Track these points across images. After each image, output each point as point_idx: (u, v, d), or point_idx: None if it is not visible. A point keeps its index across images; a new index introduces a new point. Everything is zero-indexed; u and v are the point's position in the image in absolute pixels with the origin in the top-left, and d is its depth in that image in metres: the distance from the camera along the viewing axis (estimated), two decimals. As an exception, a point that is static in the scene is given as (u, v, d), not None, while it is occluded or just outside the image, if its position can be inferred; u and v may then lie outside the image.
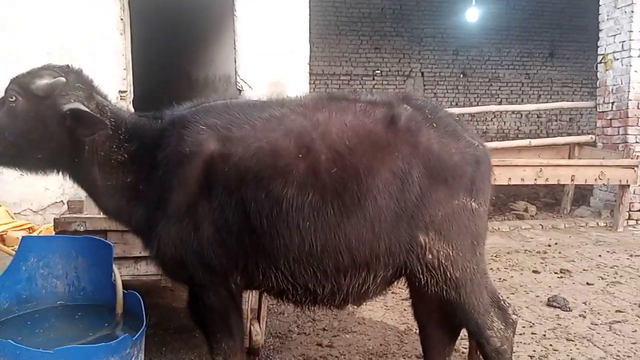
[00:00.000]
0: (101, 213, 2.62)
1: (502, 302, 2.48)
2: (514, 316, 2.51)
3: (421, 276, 2.27)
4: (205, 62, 8.01)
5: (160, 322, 3.71)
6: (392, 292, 4.45)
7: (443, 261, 2.24)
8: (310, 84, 13.99)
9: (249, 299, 3.29)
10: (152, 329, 3.59)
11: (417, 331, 3.62)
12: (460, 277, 2.29)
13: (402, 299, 4.29)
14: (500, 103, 14.41)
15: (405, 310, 4.06)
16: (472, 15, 12.44)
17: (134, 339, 2.26)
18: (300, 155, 2.16)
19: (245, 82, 6.25)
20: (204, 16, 7.81)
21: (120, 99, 6.03)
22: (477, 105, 13.93)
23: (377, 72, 14.35)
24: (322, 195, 2.14)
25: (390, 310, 4.08)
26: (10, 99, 2.29)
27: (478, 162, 2.36)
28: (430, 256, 2.23)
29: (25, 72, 2.36)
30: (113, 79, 5.96)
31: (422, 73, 14.61)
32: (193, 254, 2.26)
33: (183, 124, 2.32)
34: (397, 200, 2.19)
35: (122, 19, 5.95)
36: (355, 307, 2.70)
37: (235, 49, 6.31)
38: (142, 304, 2.56)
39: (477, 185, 2.33)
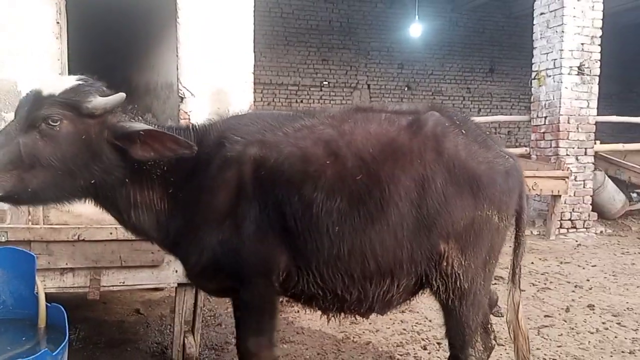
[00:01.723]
0: (133, 235, 2.48)
1: (488, 325, 2.49)
2: (493, 342, 2.52)
3: (433, 282, 2.28)
4: (147, 69, 7.84)
5: (90, 336, 3.56)
6: (332, 301, 4.48)
7: (456, 269, 2.25)
8: (258, 93, 14.03)
9: (183, 310, 3.22)
10: (81, 343, 3.46)
11: (354, 339, 3.67)
12: (467, 288, 2.29)
13: (342, 308, 4.31)
14: (443, 116, 14.86)
15: (343, 319, 4.06)
16: (416, 31, 12.80)
17: (54, 354, 2.15)
18: (328, 162, 2.20)
19: (188, 90, 6.16)
20: (146, 22, 7.65)
21: (55, 104, 5.82)
22: (421, 117, 14.29)
23: (324, 83, 14.49)
24: (349, 201, 2.17)
25: (329, 319, 4.07)
26: (53, 123, 2.06)
27: (507, 174, 2.36)
28: (445, 264, 2.24)
29: (62, 91, 2.11)
30: (47, 83, 5.73)
31: (369, 85, 14.88)
32: (236, 253, 2.24)
33: (221, 131, 2.35)
34: (419, 207, 2.19)
35: (58, 22, 5.74)
36: (380, 314, 2.71)
37: (177, 55, 6.21)
38: (66, 318, 2.45)
39: (503, 198, 2.32)
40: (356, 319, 2.74)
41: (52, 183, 2.11)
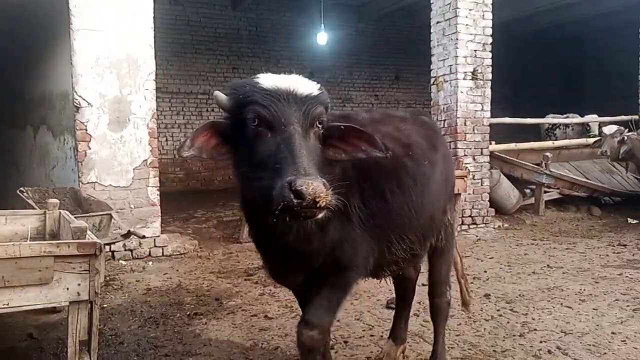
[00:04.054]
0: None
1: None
2: None
3: (442, 232, 2.99)
4: (41, 78, 7.38)
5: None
6: (242, 310, 4.44)
7: (451, 220, 3.08)
8: (166, 102, 13.67)
9: (77, 330, 3.05)
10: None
11: (263, 345, 3.66)
12: (453, 232, 3.20)
13: (251, 315, 4.28)
14: (353, 122, 15.29)
15: (252, 326, 4.05)
16: (322, 39, 13.04)
17: None
18: (408, 153, 2.64)
19: (84, 99, 5.88)
20: (38, 28, 7.22)
21: None
22: (333, 124, 14.63)
23: (235, 91, 14.37)
24: (423, 180, 2.68)
25: (237, 328, 4.03)
26: (320, 124, 2.02)
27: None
28: (448, 217, 3.02)
29: (318, 92, 2.03)
30: None
31: (281, 93, 14.93)
32: (350, 244, 2.40)
33: None
34: (443, 179, 2.90)
35: None
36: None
37: (71, 64, 5.92)
38: None
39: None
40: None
41: None
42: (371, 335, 3.82)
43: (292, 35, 14.80)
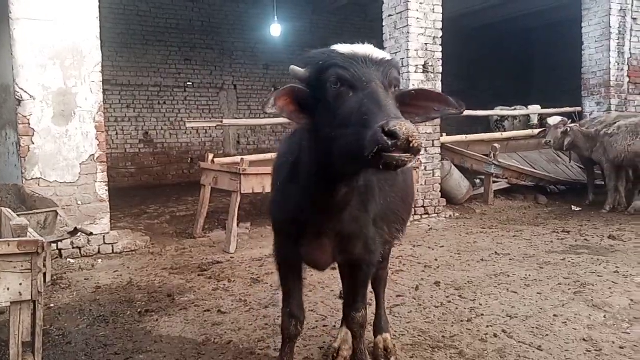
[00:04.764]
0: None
1: None
2: None
3: None
4: (-21, 70, 7.03)
5: None
6: (195, 305, 4.39)
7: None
8: (116, 95, 13.29)
9: (20, 331, 2.95)
10: None
11: (216, 340, 3.63)
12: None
13: (205, 310, 4.24)
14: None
15: (205, 321, 4.01)
16: (275, 31, 12.95)
17: None
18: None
19: (26, 92, 5.64)
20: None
21: None
22: (288, 116, 14.61)
23: (188, 83, 14.14)
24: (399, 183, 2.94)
25: (190, 323, 3.99)
26: (396, 87, 2.09)
27: None
28: None
29: (392, 57, 2.12)
30: None
31: (235, 86, 14.81)
32: (376, 228, 2.64)
33: None
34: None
35: None
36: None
37: (12, 55, 5.66)
38: None
39: None
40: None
41: None
42: (324, 326, 3.86)
43: (246, 26, 14.64)
